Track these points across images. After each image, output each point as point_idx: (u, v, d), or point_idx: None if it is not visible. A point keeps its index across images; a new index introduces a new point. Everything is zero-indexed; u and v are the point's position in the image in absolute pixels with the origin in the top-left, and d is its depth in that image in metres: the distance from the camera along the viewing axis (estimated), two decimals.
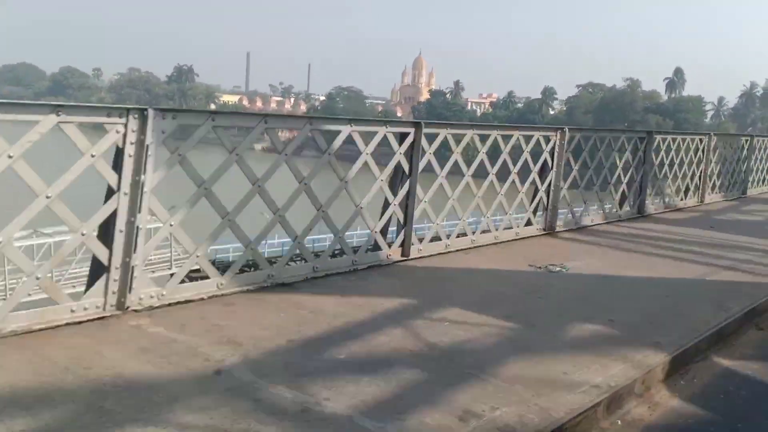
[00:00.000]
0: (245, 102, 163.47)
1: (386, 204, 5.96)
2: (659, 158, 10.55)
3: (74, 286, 13.32)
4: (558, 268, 6.35)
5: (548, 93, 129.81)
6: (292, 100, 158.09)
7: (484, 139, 6.97)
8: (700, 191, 12.16)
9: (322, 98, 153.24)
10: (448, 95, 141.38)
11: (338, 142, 5.53)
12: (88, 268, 4.41)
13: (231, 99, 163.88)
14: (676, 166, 11.04)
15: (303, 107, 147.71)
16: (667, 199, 11.26)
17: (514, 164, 7.41)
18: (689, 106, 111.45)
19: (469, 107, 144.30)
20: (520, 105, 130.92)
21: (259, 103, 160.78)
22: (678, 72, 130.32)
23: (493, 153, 7.06)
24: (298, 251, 5.34)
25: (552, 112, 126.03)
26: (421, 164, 6.14)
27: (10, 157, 3.51)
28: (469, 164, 6.84)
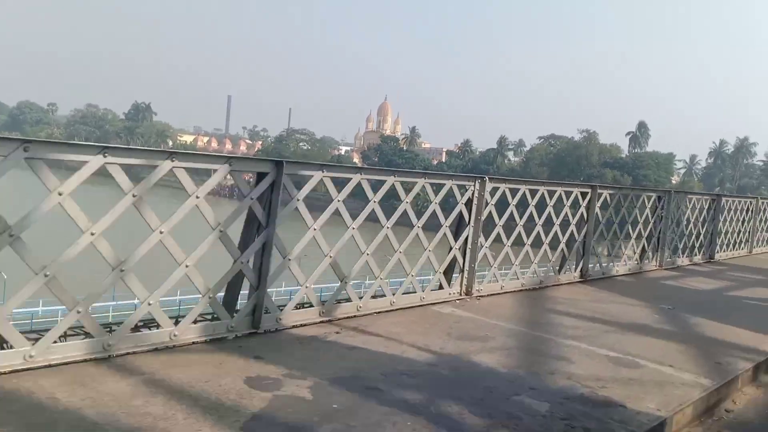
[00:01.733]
0: (213, 143, 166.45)
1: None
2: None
3: None
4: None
5: (503, 143, 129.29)
6: (261, 143, 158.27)
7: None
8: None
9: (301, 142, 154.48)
10: (402, 142, 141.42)
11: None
12: None
13: (189, 138, 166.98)
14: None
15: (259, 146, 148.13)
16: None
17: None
18: (650, 162, 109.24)
19: (427, 155, 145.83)
20: (477, 154, 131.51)
21: (228, 146, 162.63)
22: (641, 126, 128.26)
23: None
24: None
25: (508, 163, 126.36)
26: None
27: None
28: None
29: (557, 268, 8.86)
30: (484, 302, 7.14)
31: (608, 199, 9.47)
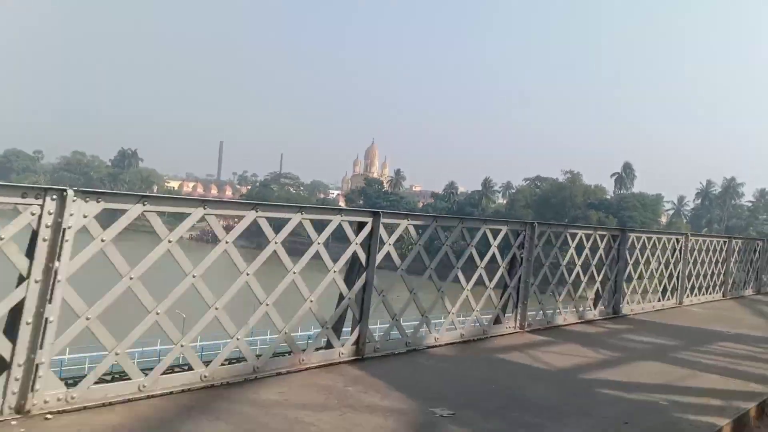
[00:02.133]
0: (199, 189, 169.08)
1: None
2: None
3: None
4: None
5: (488, 185, 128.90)
6: (248, 188, 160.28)
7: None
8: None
9: (287, 186, 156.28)
10: (386, 184, 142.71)
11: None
12: None
13: (175, 184, 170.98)
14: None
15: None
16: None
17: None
18: (635, 202, 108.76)
19: (413, 197, 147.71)
20: (462, 197, 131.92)
21: (214, 191, 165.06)
22: (627, 167, 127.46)
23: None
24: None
25: (493, 205, 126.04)
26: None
27: None
28: None
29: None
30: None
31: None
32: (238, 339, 4.81)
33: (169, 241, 4.40)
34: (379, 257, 5.98)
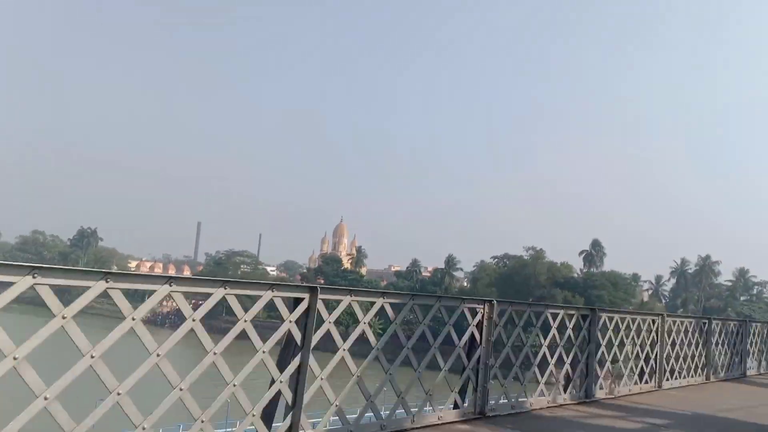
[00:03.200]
0: (157, 269, 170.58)
1: None
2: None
3: None
4: None
5: (451, 263, 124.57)
6: (200, 268, 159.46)
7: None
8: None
9: (272, 269, 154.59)
10: (348, 263, 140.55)
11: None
12: None
13: (134, 264, 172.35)
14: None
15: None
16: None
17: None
18: (604, 281, 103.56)
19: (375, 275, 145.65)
20: (427, 275, 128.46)
21: (171, 270, 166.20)
22: (596, 245, 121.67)
23: None
24: None
25: (457, 283, 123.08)
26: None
27: None
28: None
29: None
30: None
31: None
32: (143, 429, 4.34)
33: (133, 319, 4.30)
34: (317, 337, 5.59)
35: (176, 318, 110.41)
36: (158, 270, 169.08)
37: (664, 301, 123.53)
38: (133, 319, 4.32)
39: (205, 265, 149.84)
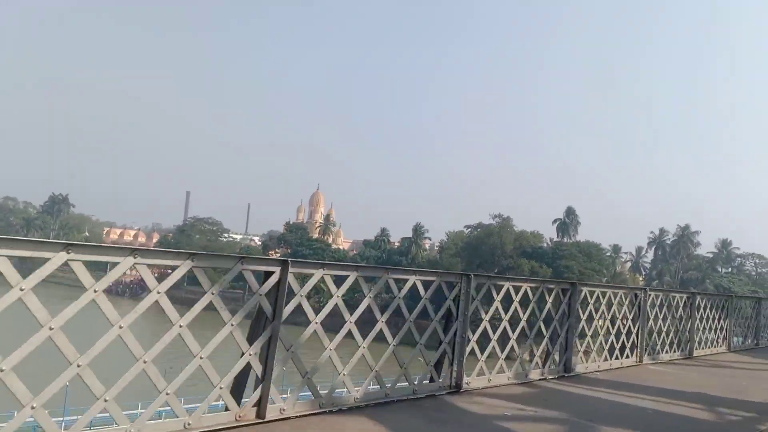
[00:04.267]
0: (141, 238, 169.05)
1: None
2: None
3: None
4: None
5: (419, 232, 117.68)
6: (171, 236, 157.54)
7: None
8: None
9: (258, 240, 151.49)
10: (317, 230, 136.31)
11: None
12: None
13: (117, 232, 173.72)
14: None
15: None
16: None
17: None
18: (573, 251, 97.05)
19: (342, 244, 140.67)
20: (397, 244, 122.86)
21: (141, 238, 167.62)
22: (570, 212, 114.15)
23: None
24: None
25: (424, 253, 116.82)
26: None
27: None
28: None
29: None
30: None
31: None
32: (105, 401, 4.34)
33: (95, 291, 4.28)
34: (289, 310, 5.58)
35: (138, 289, 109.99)
36: (128, 238, 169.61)
37: (644, 273, 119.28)
38: (95, 291, 4.30)
39: (173, 234, 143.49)
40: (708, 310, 15.06)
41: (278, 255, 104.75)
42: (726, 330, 16.02)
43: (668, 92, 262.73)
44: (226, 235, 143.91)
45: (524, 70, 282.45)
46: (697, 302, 14.44)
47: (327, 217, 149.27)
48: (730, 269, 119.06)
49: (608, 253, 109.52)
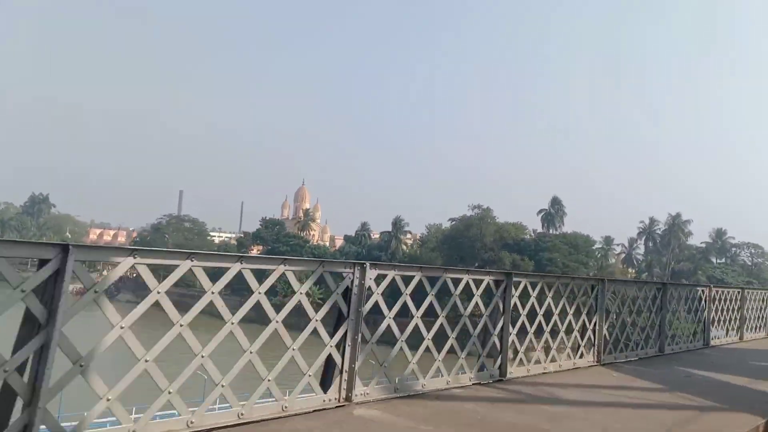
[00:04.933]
0: (121, 238, 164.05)
1: None
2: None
3: None
4: None
5: (398, 225, 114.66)
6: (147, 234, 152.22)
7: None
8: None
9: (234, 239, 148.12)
10: (297, 227, 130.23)
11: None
12: None
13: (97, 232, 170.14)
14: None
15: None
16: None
17: None
18: (557, 243, 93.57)
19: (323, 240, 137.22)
20: (377, 238, 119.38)
21: (121, 238, 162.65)
22: (555, 202, 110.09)
23: None
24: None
25: (405, 248, 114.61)
26: None
27: None
28: None
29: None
30: None
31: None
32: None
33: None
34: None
35: (135, 287, 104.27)
36: (107, 238, 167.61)
37: (637, 264, 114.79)
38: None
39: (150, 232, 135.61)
40: (684, 302, 13.74)
41: (257, 252, 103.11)
42: (705, 323, 14.51)
43: (664, 79, 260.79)
44: (214, 234, 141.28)
45: (516, 61, 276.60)
46: (669, 294, 12.83)
47: (307, 212, 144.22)
48: (724, 259, 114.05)
49: (600, 245, 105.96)
